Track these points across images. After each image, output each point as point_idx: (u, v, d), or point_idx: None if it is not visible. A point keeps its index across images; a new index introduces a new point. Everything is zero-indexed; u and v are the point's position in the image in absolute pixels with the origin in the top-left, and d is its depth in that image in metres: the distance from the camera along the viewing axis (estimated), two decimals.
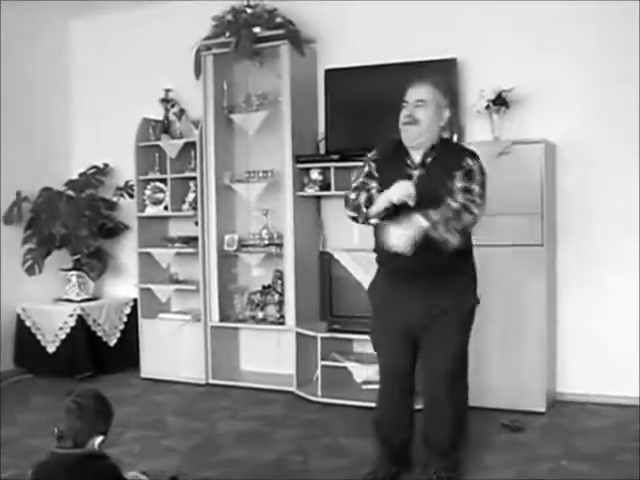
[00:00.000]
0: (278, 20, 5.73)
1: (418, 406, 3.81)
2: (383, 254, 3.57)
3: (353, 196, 3.60)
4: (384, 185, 3.45)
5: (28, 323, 6.40)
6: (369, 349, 5.56)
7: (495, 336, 4.99)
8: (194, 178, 6.13)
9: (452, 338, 3.58)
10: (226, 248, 6.05)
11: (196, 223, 6.12)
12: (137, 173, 6.33)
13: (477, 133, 5.41)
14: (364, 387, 5.47)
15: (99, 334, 6.38)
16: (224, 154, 6.12)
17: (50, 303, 6.53)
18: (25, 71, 6.62)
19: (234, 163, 6.22)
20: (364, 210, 3.51)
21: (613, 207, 5.16)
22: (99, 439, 2.85)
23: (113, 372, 6.32)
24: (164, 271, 6.40)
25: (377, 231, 3.59)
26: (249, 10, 5.76)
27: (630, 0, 5.04)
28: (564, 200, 5.29)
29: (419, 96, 3.57)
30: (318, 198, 5.99)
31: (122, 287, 6.86)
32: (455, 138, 5.27)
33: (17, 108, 6.48)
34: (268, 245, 5.92)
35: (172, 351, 6.18)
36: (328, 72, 5.79)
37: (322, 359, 5.48)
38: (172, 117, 6.34)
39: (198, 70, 5.99)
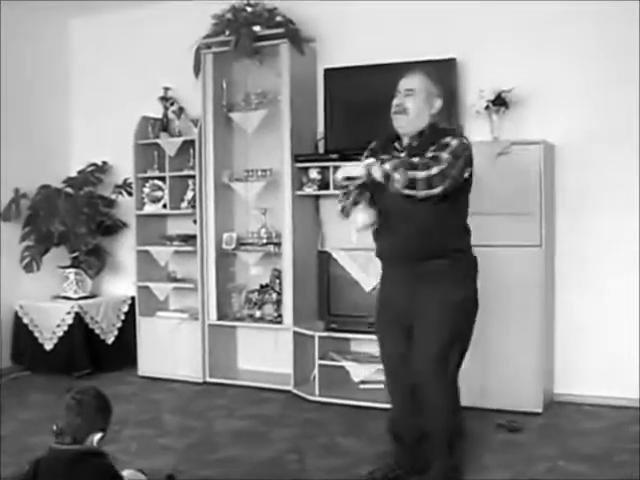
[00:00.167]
0: (278, 19, 5.73)
1: None
2: (378, 249, 3.74)
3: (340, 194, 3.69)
4: None
5: (26, 320, 6.40)
6: (367, 348, 5.63)
7: (493, 336, 4.98)
8: (193, 176, 6.13)
9: (435, 333, 3.54)
10: (224, 247, 6.05)
11: (194, 221, 6.12)
12: (136, 171, 6.33)
13: (476, 133, 5.39)
14: (361, 386, 5.48)
15: (97, 332, 6.38)
16: (223, 153, 6.11)
17: (48, 300, 6.53)
18: (25, 69, 6.61)
19: (233, 162, 6.22)
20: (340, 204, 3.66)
21: (612, 208, 5.16)
22: (98, 436, 2.88)
23: (110, 370, 6.31)
24: (162, 269, 6.40)
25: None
26: (249, 9, 5.75)
27: (630, 0, 5.04)
28: (563, 201, 5.30)
29: (408, 85, 3.62)
30: (317, 197, 5.99)
31: (120, 285, 6.86)
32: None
33: (16, 106, 6.47)
34: (266, 244, 5.92)
35: (170, 349, 6.18)
36: (327, 71, 5.79)
37: (320, 358, 5.48)
38: (171, 115, 6.33)
39: (197, 68, 5.99)
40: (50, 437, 2.89)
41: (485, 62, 5.41)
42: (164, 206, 6.28)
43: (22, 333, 6.40)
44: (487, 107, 5.18)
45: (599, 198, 5.21)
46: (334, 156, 5.58)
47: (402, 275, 3.65)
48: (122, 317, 6.62)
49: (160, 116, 6.34)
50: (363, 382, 5.48)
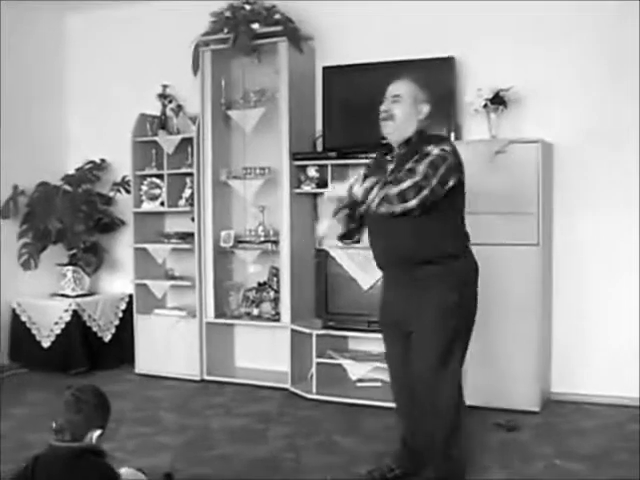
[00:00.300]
0: (276, 17, 5.73)
1: None
2: (373, 255, 3.76)
3: None
4: None
5: (23, 318, 6.39)
6: (364, 346, 5.64)
7: (490, 335, 4.98)
8: (191, 174, 6.12)
9: (429, 339, 3.54)
10: (222, 244, 6.05)
11: (192, 219, 6.11)
12: (134, 168, 6.32)
13: (474, 132, 5.42)
14: (359, 384, 5.49)
15: (94, 329, 6.38)
16: (221, 150, 6.11)
17: (45, 298, 6.52)
18: (22, 67, 6.60)
19: (231, 159, 6.22)
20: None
21: (610, 206, 5.17)
22: (97, 433, 2.88)
23: (108, 367, 6.31)
24: (160, 267, 6.39)
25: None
26: (248, 6, 5.75)
27: (629, 0, 5.04)
28: (561, 199, 5.30)
29: (395, 92, 3.64)
30: (315, 195, 5.99)
31: (118, 282, 6.86)
32: (452, 135, 5.30)
33: (14, 103, 6.46)
34: (264, 242, 5.92)
35: (167, 347, 6.18)
36: (326, 69, 5.79)
37: (317, 356, 5.48)
38: (169, 113, 6.33)
39: (196, 66, 5.98)
40: (48, 434, 2.89)
41: (483, 61, 5.41)
42: (162, 204, 6.28)
43: (20, 331, 6.40)
44: (485, 106, 5.18)
45: (597, 197, 5.21)
46: (332, 154, 5.58)
47: (397, 280, 3.69)
48: (120, 315, 6.61)
49: (158, 114, 6.34)
50: (360, 380, 5.48)
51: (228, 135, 6.21)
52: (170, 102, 6.32)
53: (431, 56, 5.37)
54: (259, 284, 6.07)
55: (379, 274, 3.88)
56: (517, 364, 4.99)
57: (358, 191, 3.44)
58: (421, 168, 3.37)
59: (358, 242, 3.85)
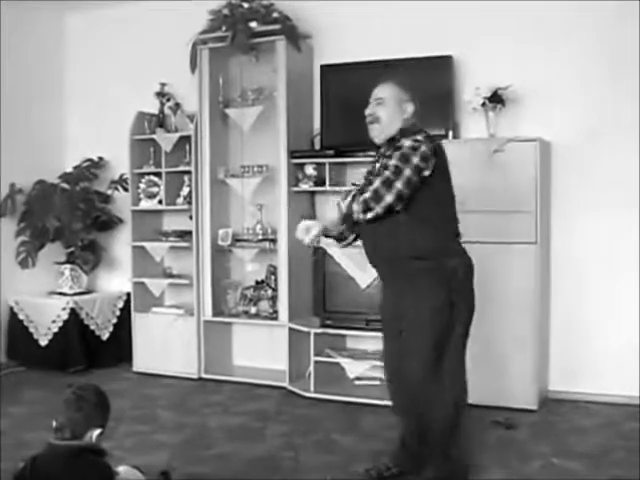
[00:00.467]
0: (274, 15, 5.73)
1: None
2: (365, 253, 3.80)
3: None
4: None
5: (21, 316, 6.39)
6: (362, 345, 5.64)
7: (488, 333, 4.99)
8: (189, 172, 6.12)
9: (415, 337, 3.55)
10: (220, 243, 6.05)
11: (190, 217, 6.11)
12: (132, 166, 6.32)
13: (472, 130, 5.42)
14: (357, 383, 5.49)
15: (92, 328, 6.37)
16: (219, 148, 6.11)
17: (43, 296, 6.51)
18: (20, 65, 6.59)
19: (229, 158, 6.21)
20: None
21: (609, 205, 5.17)
22: (97, 432, 2.90)
23: (105, 366, 6.31)
24: (158, 265, 6.39)
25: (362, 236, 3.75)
26: (246, 5, 5.74)
27: (629, 0, 5.04)
28: (559, 198, 5.30)
29: (379, 95, 3.71)
30: (312, 194, 5.98)
31: (115, 281, 6.85)
32: (451, 134, 5.30)
33: (12, 101, 6.45)
34: (262, 240, 5.92)
35: (165, 345, 6.18)
36: (324, 68, 5.79)
37: (315, 355, 5.48)
38: (167, 111, 6.32)
39: (194, 64, 5.98)
40: (46, 433, 2.90)
41: (482, 59, 5.42)
42: (160, 202, 6.28)
43: (17, 329, 6.39)
44: (483, 104, 5.18)
45: (596, 196, 5.21)
46: (330, 152, 5.59)
47: (387, 278, 3.73)
48: (117, 313, 6.61)
49: (156, 112, 6.33)
50: (358, 379, 5.49)
51: (226, 133, 6.21)
52: (168, 100, 6.32)
53: (429, 55, 5.37)
54: (257, 282, 6.07)
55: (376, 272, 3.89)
56: (515, 362, 5.00)
57: (343, 208, 3.52)
58: (392, 162, 3.42)
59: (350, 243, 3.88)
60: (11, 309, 6.43)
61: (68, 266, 6.54)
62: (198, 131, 6.01)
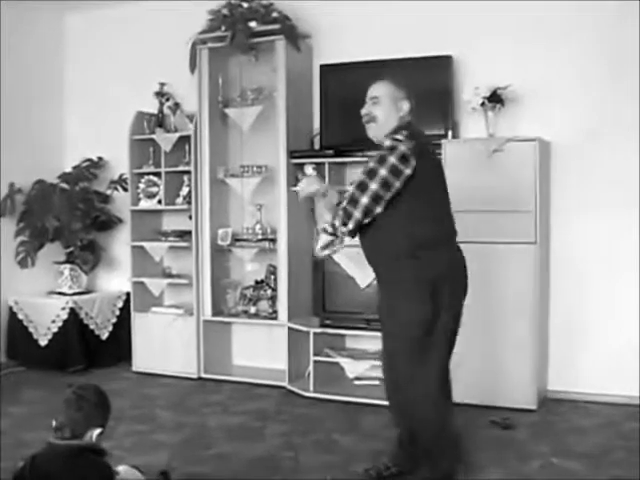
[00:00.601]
0: (274, 15, 5.73)
1: None
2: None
3: None
4: None
5: (20, 316, 6.38)
6: (362, 345, 5.64)
7: (487, 333, 4.99)
8: (188, 172, 6.12)
9: (396, 341, 3.57)
10: (219, 242, 6.05)
11: (190, 217, 6.11)
12: (131, 166, 6.32)
13: (472, 130, 5.42)
14: (356, 383, 5.49)
15: (91, 327, 6.37)
16: (218, 148, 6.11)
17: (43, 296, 6.51)
18: (20, 65, 6.59)
19: (228, 157, 6.21)
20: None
21: (608, 205, 5.17)
22: (97, 431, 2.91)
23: (105, 365, 6.31)
24: (157, 265, 6.39)
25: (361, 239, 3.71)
26: (245, 4, 5.74)
27: (629, 0, 5.04)
28: (558, 198, 5.30)
29: (374, 93, 3.70)
30: None
31: (115, 280, 6.85)
32: (450, 134, 5.30)
33: (11, 101, 6.45)
34: (261, 240, 5.92)
35: (164, 345, 6.18)
36: (323, 67, 5.79)
37: (314, 354, 5.48)
38: (167, 111, 6.32)
39: (193, 64, 5.98)
40: (45, 432, 2.90)
41: (481, 59, 5.42)
42: (159, 202, 6.27)
43: (17, 329, 6.39)
44: (483, 104, 5.18)
45: (595, 195, 5.21)
46: (329, 152, 5.59)
47: (378, 278, 3.72)
48: (117, 313, 6.61)
49: (156, 112, 6.33)
50: (358, 378, 5.49)
51: (225, 133, 6.21)
52: (167, 100, 6.32)
53: (429, 55, 5.37)
54: (256, 282, 6.07)
55: None
56: (514, 362, 4.99)
57: (328, 229, 3.58)
58: (370, 165, 3.43)
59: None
60: (10, 309, 6.43)
61: (67, 266, 6.54)
62: (197, 131, 6.01)
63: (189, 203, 6.11)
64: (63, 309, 6.23)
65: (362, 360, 5.41)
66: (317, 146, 5.85)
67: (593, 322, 5.25)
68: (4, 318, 6.43)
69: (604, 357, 5.20)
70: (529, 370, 4.99)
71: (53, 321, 6.25)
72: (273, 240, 5.87)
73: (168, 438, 4.55)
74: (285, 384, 5.69)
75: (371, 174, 3.38)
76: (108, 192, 6.68)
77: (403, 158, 3.37)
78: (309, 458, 4.17)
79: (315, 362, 5.49)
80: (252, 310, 6.01)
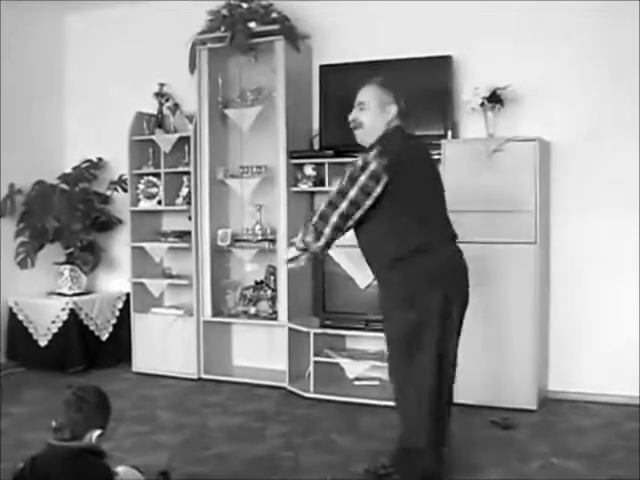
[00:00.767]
0: (273, 15, 5.72)
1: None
2: None
3: None
4: None
5: (20, 317, 6.38)
6: (362, 345, 5.64)
7: (487, 333, 4.99)
8: (188, 173, 6.12)
9: (386, 341, 3.59)
10: (219, 243, 6.05)
11: (189, 218, 6.11)
12: (131, 167, 6.32)
13: (471, 130, 5.42)
14: (356, 383, 5.49)
15: (91, 328, 6.37)
16: (218, 149, 6.11)
17: (42, 297, 6.51)
18: (20, 65, 6.59)
19: (228, 158, 6.21)
20: None
21: (608, 205, 5.17)
22: (97, 433, 2.90)
23: (105, 366, 6.31)
24: (157, 266, 6.39)
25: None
26: (244, 5, 5.74)
27: (629, 0, 5.04)
28: (558, 198, 5.30)
29: (361, 99, 3.67)
30: (312, 194, 5.98)
31: (115, 281, 6.85)
32: (450, 134, 5.30)
33: (11, 102, 6.45)
34: (261, 240, 5.92)
35: (164, 346, 6.18)
36: (323, 68, 5.79)
37: (314, 355, 5.47)
38: (166, 111, 6.32)
39: (193, 65, 5.98)
40: (45, 433, 2.90)
41: (481, 59, 5.42)
42: (159, 202, 6.27)
43: (16, 329, 6.39)
44: (482, 104, 5.18)
45: (595, 195, 5.21)
46: (329, 152, 5.60)
47: (376, 279, 3.73)
48: (117, 313, 6.61)
49: (155, 112, 6.33)
50: (358, 379, 5.49)
51: (225, 134, 6.21)
52: (167, 101, 6.32)
53: (428, 55, 5.37)
54: (256, 283, 6.07)
55: None
56: (514, 362, 4.99)
57: (298, 243, 3.60)
58: (342, 182, 3.43)
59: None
60: (10, 310, 6.43)
61: (67, 267, 6.54)
62: (197, 131, 6.01)
63: (189, 204, 6.11)
64: (63, 310, 6.23)
65: (362, 361, 5.41)
66: (317, 146, 5.85)
67: (593, 322, 5.24)
68: (4, 319, 6.43)
69: (604, 357, 5.20)
70: (529, 370, 4.99)
71: (53, 322, 6.25)
72: (273, 241, 5.87)
73: (168, 439, 4.55)
74: (285, 385, 5.69)
75: (341, 193, 3.40)
76: (108, 193, 6.68)
77: (374, 177, 3.36)
78: (309, 458, 4.17)
79: (315, 363, 5.48)
80: (252, 311, 6.01)
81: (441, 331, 3.41)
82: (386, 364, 3.72)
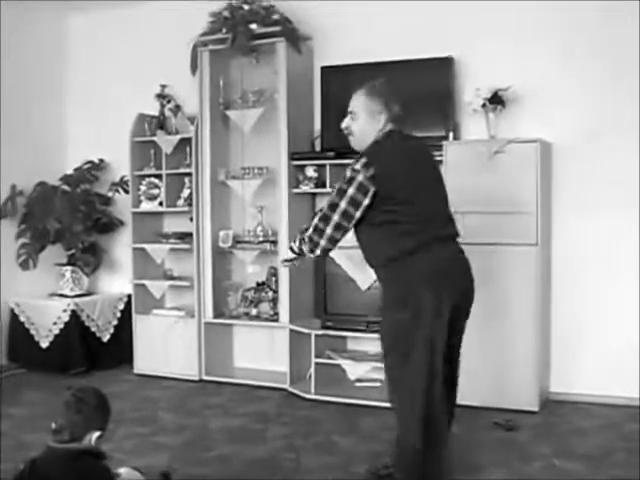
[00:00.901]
0: (275, 17, 5.73)
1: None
2: None
3: None
4: None
5: (22, 318, 6.39)
6: (363, 347, 5.64)
7: (489, 334, 4.99)
8: (189, 174, 6.12)
9: (380, 346, 3.59)
10: (221, 245, 6.05)
11: (191, 219, 6.11)
12: (132, 168, 6.32)
13: (473, 131, 5.42)
14: (357, 385, 5.48)
15: (93, 329, 6.37)
16: (219, 150, 6.11)
17: (44, 298, 6.51)
18: (21, 66, 6.60)
19: (229, 159, 6.21)
20: None
21: (609, 206, 5.17)
22: (96, 434, 2.89)
23: (106, 368, 6.31)
24: (158, 267, 6.39)
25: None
26: (246, 7, 5.75)
27: (628, 0, 5.04)
28: (560, 199, 5.30)
29: (350, 107, 3.70)
30: (313, 195, 5.99)
31: (116, 283, 6.86)
32: (451, 136, 5.30)
33: (13, 103, 6.46)
34: (263, 242, 5.92)
35: (166, 347, 6.18)
36: (324, 69, 5.80)
37: (316, 356, 5.47)
38: (168, 113, 6.32)
39: (194, 66, 5.98)
40: (46, 434, 2.90)
41: (482, 61, 5.42)
42: (160, 204, 6.28)
43: (18, 331, 6.39)
44: (484, 105, 5.18)
45: (596, 196, 5.21)
46: (330, 154, 5.58)
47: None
48: (118, 315, 6.61)
49: (157, 114, 6.34)
50: (359, 380, 5.48)
51: (226, 135, 6.21)
52: (168, 102, 6.32)
53: (430, 56, 5.37)
54: (258, 284, 6.07)
55: None
56: (516, 364, 4.99)
57: (295, 249, 3.68)
58: (331, 196, 3.49)
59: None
60: (12, 311, 6.43)
61: (69, 268, 6.54)
62: (199, 133, 6.01)
63: (190, 205, 6.11)
64: (64, 311, 6.23)
65: (363, 362, 5.41)
66: (318, 148, 5.85)
67: (594, 323, 5.24)
68: (5, 320, 6.43)
69: (604, 358, 5.20)
70: (531, 372, 4.99)
71: (54, 323, 6.25)
72: (274, 242, 5.87)
73: (169, 440, 4.55)
74: (286, 386, 5.69)
75: (332, 207, 3.44)
76: (109, 194, 6.69)
77: (361, 189, 3.39)
78: (310, 460, 4.17)
79: (316, 364, 5.48)
80: (253, 312, 6.01)
81: (433, 331, 3.39)
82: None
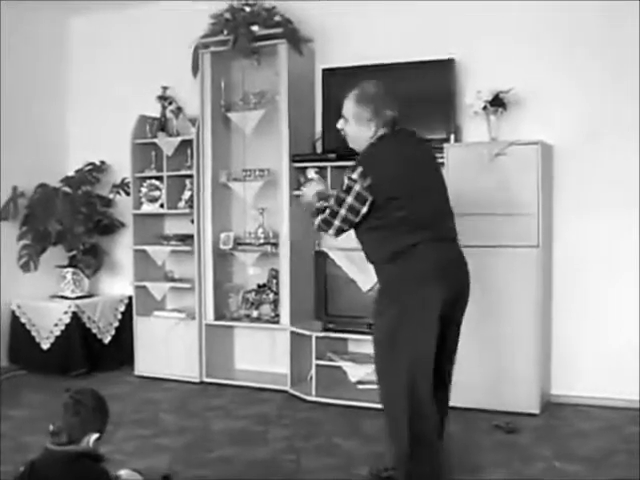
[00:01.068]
0: (276, 19, 5.73)
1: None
2: None
3: None
4: None
5: (23, 320, 6.39)
6: (364, 349, 5.63)
7: (489, 337, 4.99)
8: (190, 176, 6.12)
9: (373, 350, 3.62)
10: (222, 246, 6.05)
11: (192, 221, 6.11)
12: (133, 170, 6.32)
13: (474, 134, 5.41)
14: (358, 387, 5.47)
15: (94, 331, 6.37)
16: (221, 152, 6.11)
17: (45, 300, 6.51)
18: (23, 68, 6.60)
19: (231, 161, 6.21)
20: None
21: (610, 208, 5.16)
22: (94, 436, 2.88)
23: (107, 369, 6.31)
24: (159, 269, 6.39)
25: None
26: (247, 8, 5.75)
27: (628, 1, 5.04)
28: (561, 201, 5.30)
29: (342, 111, 3.72)
30: None
31: (117, 284, 6.86)
32: (452, 138, 5.30)
33: (15, 104, 6.46)
34: (264, 244, 5.92)
35: (167, 349, 6.18)
36: (325, 71, 5.80)
37: (317, 358, 5.47)
38: (169, 115, 6.32)
39: (196, 68, 5.98)
40: (45, 437, 2.89)
41: (483, 63, 5.42)
42: (161, 206, 6.28)
43: (19, 332, 6.39)
44: (485, 107, 5.18)
45: (597, 197, 5.21)
46: (332, 156, 5.57)
47: None
48: (119, 317, 6.61)
49: (158, 115, 6.34)
50: (360, 382, 5.47)
51: (228, 137, 6.21)
52: (170, 104, 6.32)
53: (431, 58, 5.38)
54: (259, 286, 6.06)
55: None
56: (517, 366, 4.99)
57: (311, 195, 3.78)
58: (331, 205, 3.54)
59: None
60: (13, 313, 6.43)
61: (70, 270, 6.55)
62: (200, 135, 6.01)
63: (191, 207, 6.11)
64: (65, 313, 6.23)
65: (364, 364, 5.39)
66: (319, 150, 5.85)
67: (596, 325, 5.23)
68: (6, 322, 6.43)
69: (606, 361, 5.19)
70: (532, 374, 4.98)
71: (55, 325, 6.25)
72: (275, 244, 5.87)
73: (170, 442, 4.55)
74: (287, 388, 5.69)
75: (333, 214, 3.52)
76: (110, 196, 6.69)
77: (359, 199, 3.44)
78: (311, 462, 4.17)
79: (317, 366, 5.48)
80: (254, 314, 6.01)
81: (419, 330, 3.42)
82: None
